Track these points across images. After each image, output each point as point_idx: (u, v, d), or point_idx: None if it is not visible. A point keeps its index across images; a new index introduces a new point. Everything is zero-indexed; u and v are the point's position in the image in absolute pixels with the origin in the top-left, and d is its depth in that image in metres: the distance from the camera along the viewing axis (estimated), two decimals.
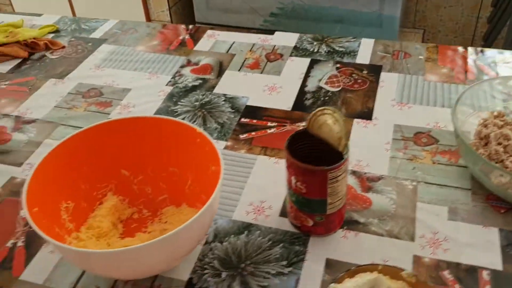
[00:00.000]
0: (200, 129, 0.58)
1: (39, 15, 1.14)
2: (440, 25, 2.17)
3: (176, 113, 0.80)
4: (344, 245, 0.58)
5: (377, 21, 1.81)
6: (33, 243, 0.60)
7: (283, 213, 0.62)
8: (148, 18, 2.00)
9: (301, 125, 0.76)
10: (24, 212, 0.49)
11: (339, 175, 0.54)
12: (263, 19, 1.94)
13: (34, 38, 0.99)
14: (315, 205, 0.56)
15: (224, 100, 0.82)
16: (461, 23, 2.14)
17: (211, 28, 1.03)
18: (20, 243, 0.60)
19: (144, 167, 0.63)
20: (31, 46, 0.98)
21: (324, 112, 0.54)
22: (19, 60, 0.96)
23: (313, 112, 0.55)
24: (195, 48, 0.97)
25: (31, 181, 0.52)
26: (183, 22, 2.11)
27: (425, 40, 2.20)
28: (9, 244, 0.60)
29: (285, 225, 0.61)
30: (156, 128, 0.61)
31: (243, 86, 0.86)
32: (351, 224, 0.60)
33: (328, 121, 0.54)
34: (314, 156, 0.55)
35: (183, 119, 0.75)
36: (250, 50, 0.96)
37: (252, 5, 1.91)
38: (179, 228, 0.47)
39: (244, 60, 0.93)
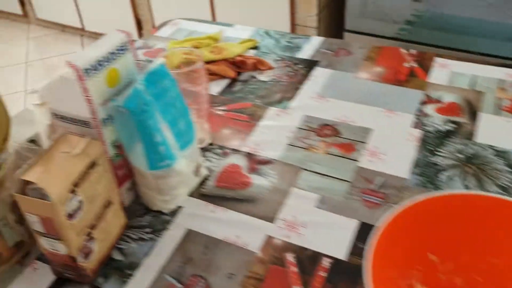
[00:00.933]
0: None
1: (229, 25, 1.05)
2: None
3: (438, 167, 0.66)
4: None
5: None
6: None
7: None
8: (293, 22, 1.89)
9: None
10: None
11: None
12: (398, 27, 1.77)
13: (240, 56, 0.89)
14: None
15: (494, 155, 0.68)
16: None
17: (436, 51, 0.89)
18: None
19: (456, 253, 0.50)
20: (238, 64, 0.89)
21: None
22: (227, 81, 0.87)
23: None
24: (430, 80, 0.83)
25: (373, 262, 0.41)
26: (331, 29, 1.98)
27: None
28: None
29: None
30: (485, 209, 0.48)
31: (509, 136, 0.71)
32: None
33: None
34: None
35: (448, 176, 0.62)
36: (500, 88, 0.80)
37: (411, 14, 1.74)
38: None
39: (497, 101, 0.77)
